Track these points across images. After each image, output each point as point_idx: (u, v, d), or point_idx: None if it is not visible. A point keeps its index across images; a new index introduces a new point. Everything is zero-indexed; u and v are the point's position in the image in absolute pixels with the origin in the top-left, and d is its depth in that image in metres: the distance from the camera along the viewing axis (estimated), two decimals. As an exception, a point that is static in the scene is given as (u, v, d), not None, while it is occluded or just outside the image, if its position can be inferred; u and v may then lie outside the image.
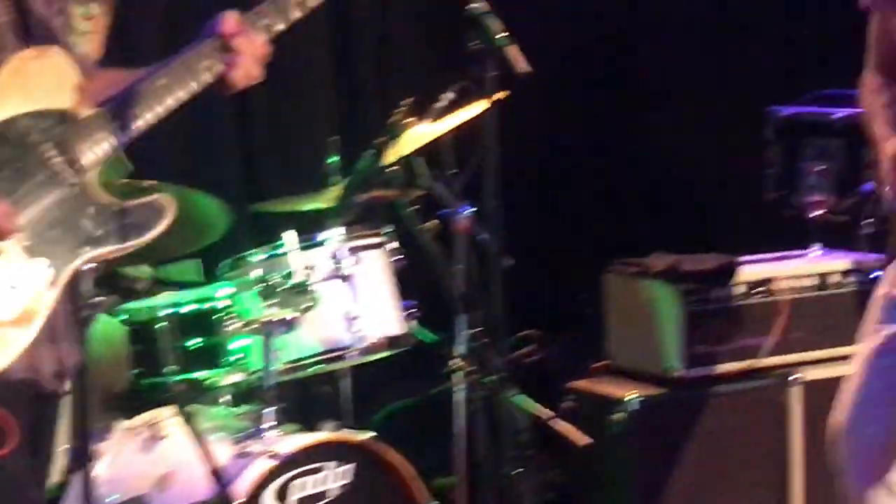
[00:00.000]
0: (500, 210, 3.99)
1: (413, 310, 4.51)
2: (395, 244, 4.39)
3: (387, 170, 4.38)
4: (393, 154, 4.33)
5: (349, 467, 4.01)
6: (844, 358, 4.49)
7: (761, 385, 4.87)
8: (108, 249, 2.58)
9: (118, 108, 2.63)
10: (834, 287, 5.02)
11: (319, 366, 4.20)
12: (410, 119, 4.28)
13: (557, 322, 6.00)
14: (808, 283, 4.98)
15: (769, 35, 5.86)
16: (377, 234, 4.33)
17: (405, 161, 4.41)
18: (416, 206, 4.08)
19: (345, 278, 4.19)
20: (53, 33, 2.67)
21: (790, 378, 4.83)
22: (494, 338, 4.23)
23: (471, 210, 4.41)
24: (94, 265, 2.70)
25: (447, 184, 4.48)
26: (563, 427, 4.74)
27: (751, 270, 4.95)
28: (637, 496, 4.85)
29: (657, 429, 4.80)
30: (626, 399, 4.69)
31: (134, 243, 2.60)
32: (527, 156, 5.95)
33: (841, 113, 5.38)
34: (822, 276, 5.00)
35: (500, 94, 3.94)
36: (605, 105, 7.00)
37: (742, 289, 4.91)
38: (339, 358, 4.27)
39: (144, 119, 2.60)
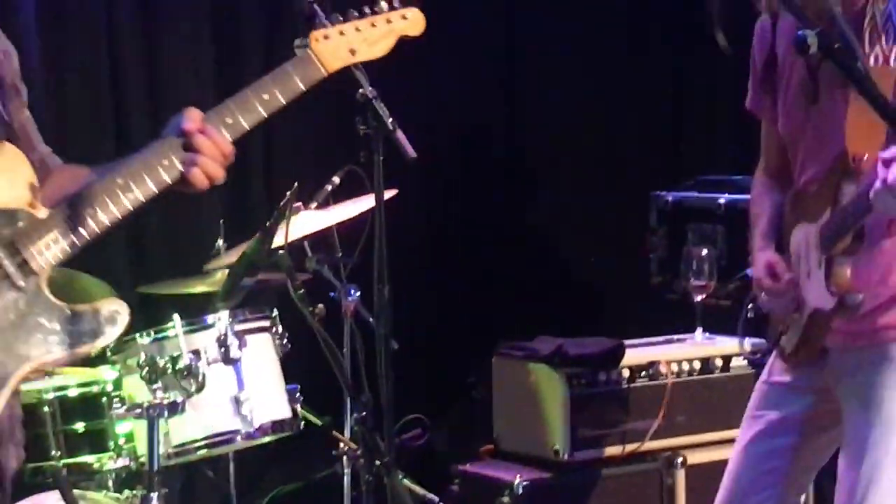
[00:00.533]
0: (387, 293, 3.82)
1: (299, 394, 4.46)
2: (282, 328, 4.33)
3: (274, 253, 4.22)
4: (280, 238, 4.19)
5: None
6: (728, 441, 4.50)
7: (646, 468, 4.88)
8: (57, 357, 2.53)
9: (72, 209, 2.55)
10: (717, 371, 5.06)
11: (205, 450, 4.10)
12: (297, 204, 4.26)
13: (445, 405, 6.05)
14: (691, 367, 5.00)
15: (655, 121, 5.91)
16: (264, 318, 4.27)
17: (292, 245, 4.35)
18: (302, 290, 3.95)
19: (231, 362, 4.11)
20: (11, 127, 2.66)
21: (675, 461, 4.85)
22: (381, 421, 4.06)
23: (358, 293, 4.57)
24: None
25: (334, 267, 4.63)
26: None
27: (635, 354, 4.96)
28: None
29: None
30: (513, 483, 4.65)
31: (84, 350, 2.53)
32: (415, 239, 5.98)
33: (725, 198, 5.48)
34: (705, 360, 5.02)
35: (391, 191, 3.96)
36: (492, 188, 7.06)
37: (627, 373, 4.92)
38: (226, 442, 4.21)
39: (98, 221, 2.53)
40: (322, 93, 2.75)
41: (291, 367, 4.47)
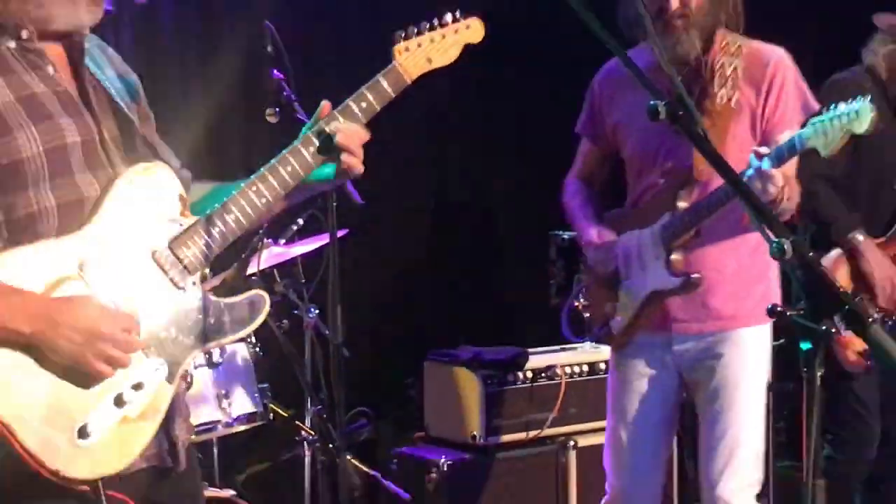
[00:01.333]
0: (339, 312, 4.30)
1: (268, 391, 4.81)
2: (255, 339, 4.67)
3: (248, 280, 4.65)
4: (253, 267, 4.67)
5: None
6: None
7: (545, 450, 5.26)
8: (214, 344, 2.77)
9: (211, 215, 2.67)
10: (601, 372, 5.31)
11: (193, 436, 4.10)
12: (268, 240, 4.67)
13: (386, 400, 6.23)
14: (581, 369, 5.42)
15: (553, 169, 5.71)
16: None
17: (263, 272, 4.81)
18: (271, 309, 4.28)
19: (214, 365, 4.52)
20: (153, 146, 2.78)
21: (568, 444, 5.25)
22: (334, 414, 4.48)
23: (317, 311, 4.99)
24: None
25: (298, 291, 5.06)
26: (390, 487, 5.24)
27: (537, 360, 5.36)
28: None
29: (463, 486, 5.13)
30: (439, 462, 5.05)
31: (237, 336, 2.75)
32: (362, 269, 6.16)
33: None
34: (592, 364, 5.43)
35: (343, 231, 4.46)
36: (422, 230, 7.31)
37: (530, 374, 5.32)
38: (209, 430, 4.57)
39: (239, 224, 2.67)
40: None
41: (262, 369, 4.80)
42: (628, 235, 4.17)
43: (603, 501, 4.36)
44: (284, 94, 4.63)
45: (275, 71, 4.61)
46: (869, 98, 3.97)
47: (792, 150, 3.90)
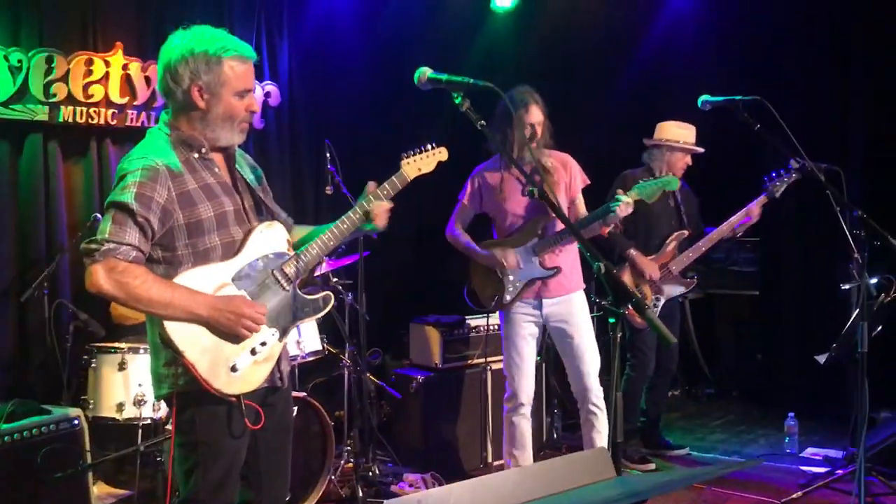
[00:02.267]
0: (364, 296, 4.63)
1: (324, 338, 4.79)
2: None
3: (315, 277, 4.74)
4: (318, 270, 4.76)
5: (296, 407, 3.98)
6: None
7: (474, 371, 5.19)
8: (303, 321, 2.75)
9: (304, 251, 2.68)
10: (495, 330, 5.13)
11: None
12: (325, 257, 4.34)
13: (391, 344, 5.99)
14: (493, 327, 5.21)
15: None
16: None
17: (324, 274, 4.82)
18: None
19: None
20: (271, 211, 2.75)
21: (487, 367, 5.21)
22: (361, 351, 4.72)
23: (350, 295, 4.95)
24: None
25: (342, 283, 4.98)
26: (390, 390, 5.27)
27: (470, 322, 5.29)
28: (421, 422, 5.08)
29: (431, 391, 5.08)
30: (418, 377, 5.09)
31: (316, 317, 2.76)
32: (375, 273, 5.58)
33: None
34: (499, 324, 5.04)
35: (366, 252, 4.55)
36: (412, 245, 6.92)
37: (466, 330, 5.27)
38: (293, 359, 4.46)
39: (311, 253, 2.68)
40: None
41: (321, 325, 4.74)
42: (509, 251, 4.22)
43: (505, 396, 4.38)
44: (336, 178, 4.85)
45: (331, 167, 4.74)
46: (672, 175, 4.30)
47: (607, 210, 4.05)
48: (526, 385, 4.31)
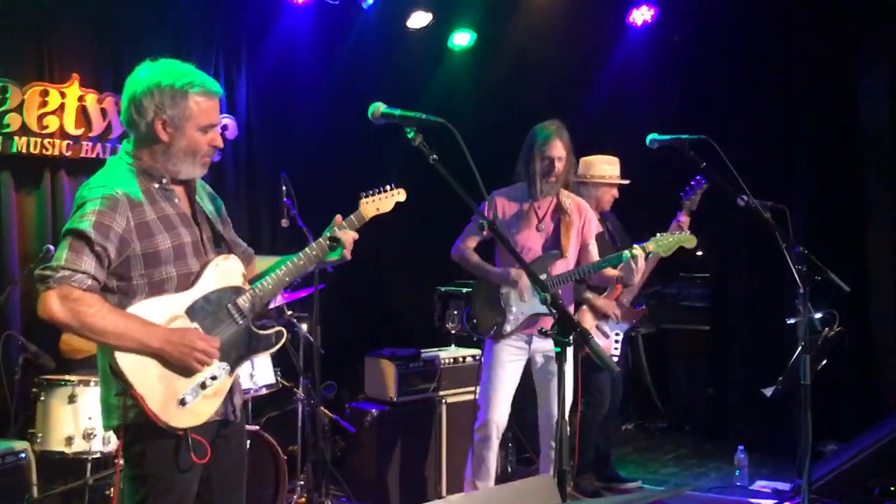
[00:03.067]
0: (318, 329, 4.61)
1: (278, 370, 4.79)
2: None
3: (270, 310, 4.72)
4: (273, 303, 4.67)
5: (249, 441, 3.85)
6: (466, 393, 5.15)
7: (429, 405, 5.17)
8: (255, 356, 2.79)
9: (259, 285, 2.68)
10: (461, 361, 5.31)
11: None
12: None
13: (346, 378, 5.95)
14: (449, 360, 5.27)
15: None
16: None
17: (278, 307, 4.79)
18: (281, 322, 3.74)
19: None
20: (228, 244, 2.78)
21: (442, 400, 5.17)
22: (315, 384, 4.69)
23: (305, 327, 4.94)
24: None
25: (297, 316, 4.96)
26: (344, 424, 5.14)
27: (425, 356, 5.24)
28: (375, 456, 4.98)
29: (385, 425, 5.01)
30: (372, 411, 5.01)
31: (268, 352, 2.78)
32: (334, 305, 5.87)
33: (466, 290, 5.37)
34: (455, 358, 5.30)
35: (321, 285, 4.49)
36: (368, 278, 6.94)
37: (421, 363, 5.17)
38: (246, 392, 4.42)
39: (267, 287, 2.69)
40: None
41: (275, 358, 4.70)
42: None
43: (477, 425, 4.33)
44: (292, 212, 4.85)
45: (287, 200, 4.73)
46: (687, 233, 4.31)
47: (619, 258, 4.13)
48: (500, 415, 4.28)
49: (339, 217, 2.85)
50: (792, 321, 4.94)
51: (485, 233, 3.35)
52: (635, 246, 4.07)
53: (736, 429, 6.54)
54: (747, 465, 5.51)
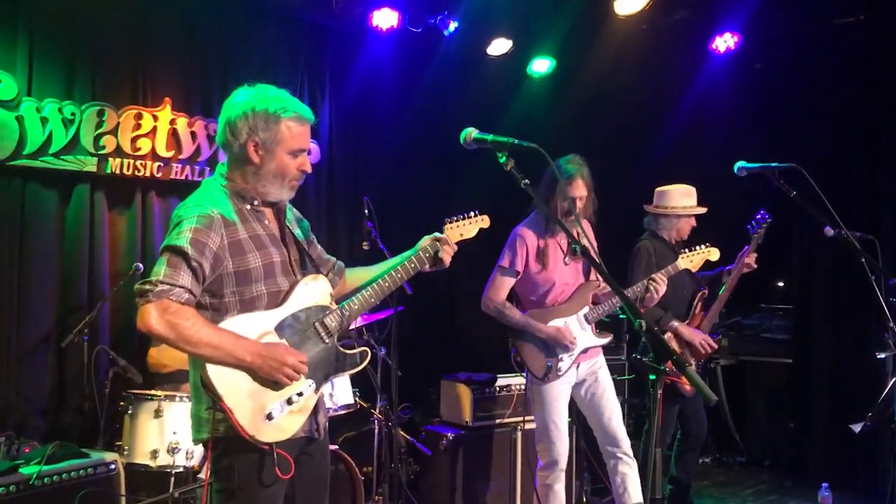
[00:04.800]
0: (396, 351, 4.54)
1: (357, 392, 4.85)
2: None
3: (350, 331, 4.75)
4: (353, 325, 4.58)
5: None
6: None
7: (506, 430, 5.14)
8: (339, 375, 2.80)
9: (346, 305, 2.74)
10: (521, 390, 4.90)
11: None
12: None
13: (421, 401, 6.05)
14: (523, 387, 4.91)
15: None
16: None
17: (358, 328, 4.88)
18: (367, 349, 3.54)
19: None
20: (316, 263, 2.84)
21: (517, 427, 5.14)
22: (392, 406, 4.63)
23: (384, 350, 5.02)
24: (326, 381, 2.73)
25: (376, 338, 5.06)
26: (420, 446, 5.20)
27: (501, 381, 5.22)
28: (449, 479, 4.99)
29: (460, 448, 5.02)
30: (448, 434, 5.03)
31: (353, 371, 2.81)
32: (410, 328, 5.95)
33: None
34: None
35: (400, 307, 4.47)
36: (436, 302, 7.05)
37: (498, 389, 5.20)
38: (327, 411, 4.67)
39: (361, 304, 2.77)
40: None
41: (354, 379, 4.75)
42: (557, 319, 4.20)
43: (541, 465, 4.26)
44: (373, 235, 4.84)
45: (369, 223, 4.74)
46: (710, 246, 4.32)
47: (676, 268, 4.20)
48: (563, 448, 4.24)
49: (438, 234, 2.94)
50: (882, 356, 4.81)
51: (577, 254, 3.28)
52: (655, 275, 4.15)
53: (817, 465, 6.34)
54: (832, 503, 5.31)
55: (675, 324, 4.92)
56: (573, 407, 4.41)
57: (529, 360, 4.25)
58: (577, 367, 4.26)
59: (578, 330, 4.22)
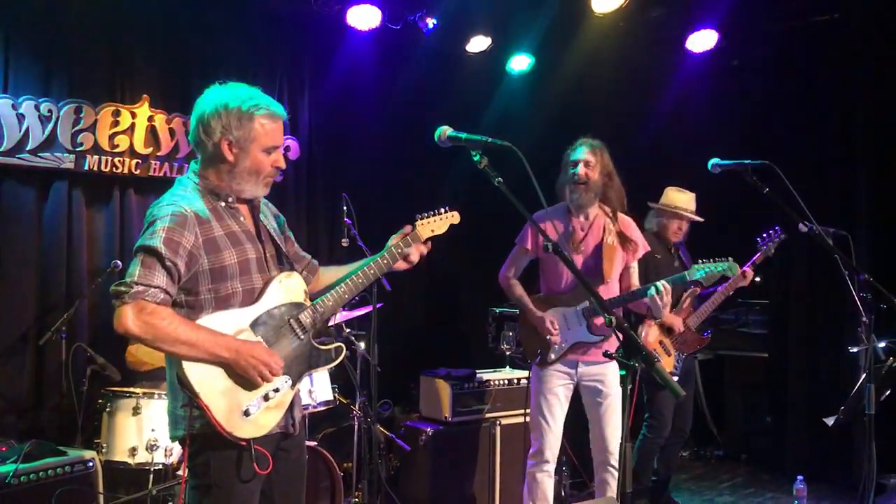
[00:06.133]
0: (376, 347, 4.52)
1: (336, 388, 4.84)
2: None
3: (329, 327, 4.78)
4: (332, 321, 4.71)
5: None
6: (517, 415, 5.13)
7: (484, 425, 5.16)
8: (316, 370, 2.78)
9: (320, 301, 2.73)
10: (515, 384, 5.34)
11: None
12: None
13: (400, 397, 6.03)
14: (502, 382, 5.32)
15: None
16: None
17: (337, 324, 4.87)
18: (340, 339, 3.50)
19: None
20: (290, 260, 2.84)
21: (496, 422, 5.16)
22: (371, 402, 4.63)
23: (363, 345, 5.00)
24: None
25: (355, 334, 5.02)
26: (400, 442, 5.19)
27: (480, 376, 5.27)
28: (429, 475, 5.01)
29: (440, 444, 5.04)
30: (427, 430, 5.05)
31: (328, 367, 2.80)
32: (389, 324, 5.70)
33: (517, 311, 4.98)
34: (509, 379, 5.34)
35: (379, 304, 4.43)
36: (423, 300, 6.98)
37: (477, 384, 5.21)
38: (304, 408, 4.43)
39: (335, 301, 2.76)
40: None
41: (332, 375, 4.81)
42: (554, 310, 4.20)
43: (531, 451, 4.26)
44: (352, 231, 4.84)
45: (348, 220, 4.74)
46: (731, 261, 4.27)
47: (683, 280, 4.14)
48: (552, 442, 4.22)
49: (408, 227, 2.93)
50: (855, 350, 4.85)
51: (548, 251, 3.28)
52: (662, 282, 4.02)
53: (794, 459, 6.40)
54: (806, 495, 5.35)
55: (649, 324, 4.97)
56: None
57: (525, 343, 4.30)
58: (575, 366, 4.21)
59: (574, 323, 4.17)
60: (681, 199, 5.21)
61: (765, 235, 4.94)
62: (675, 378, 5.07)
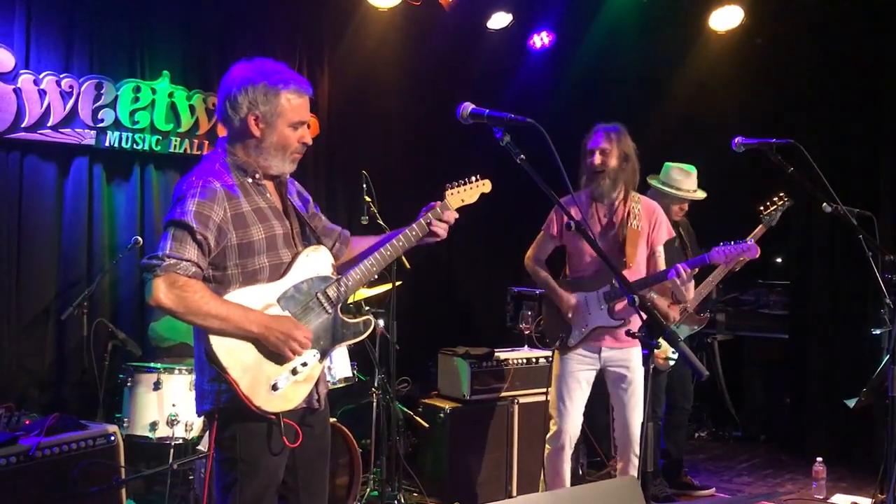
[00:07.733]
0: (395, 325, 4.60)
1: (354, 365, 4.81)
2: None
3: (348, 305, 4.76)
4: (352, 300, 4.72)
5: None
6: (537, 394, 5.08)
7: (502, 404, 5.14)
8: (343, 344, 2.77)
9: (348, 274, 2.72)
10: (533, 362, 5.30)
11: None
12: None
13: (419, 374, 6.09)
14: (520, 361, 5.28)
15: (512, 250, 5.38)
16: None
17: (357, 302, 4.91)
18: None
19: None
20: (318, 235, 2.85)
21: (514, 401, 5.17)
22: (390, 379, 4.70)
23: (382, 322, 4.85)
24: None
25: (375, 312, 4.94)
26: (418, 419, 5.19)
27: (498, 355, 5.22)
28: (447, 452, 4.99)
29: (458, 422, 5.03)
30: (445, 407, 5.04)
31: (356, 340, 2.79)
32: (409, 303, 5.88)
33: (538, 291, 5.15)
34: (527, 359, 5.30)
35: (398, 282, 4.49)
36: (444, 279, 7.04)
37: (495, 363, 5.17)
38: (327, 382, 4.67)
39: (363, 274, 2.75)
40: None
41: (352, 352, 4.75)
42: (577, 294, 4.19)
43: (550, 435, 4.25)
44: (372, 208, 4.83)
45: (367, 197, 4.75)
46: (752, 242, 4.10)
47: (704, 261, 4.09)
48: (571, 427, 4.21)
49: (438, 203, 2.89)
50: (878, 332, 4.82)
51: (570, 230, 3.31)
52: (681, 264, 3.98)
53: (813, 440, 6.38)
54: (825, 476, 5.37)
55: (654, 295, 4.92)
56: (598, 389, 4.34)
57: (547, 326, 4.30)
58: (598, 351, 4.19)
59: (595, 307, 4.16)
60: (683, 181, 5.11)
61: (768, 203, 4.87)
62: (672, 362, 5.06)
